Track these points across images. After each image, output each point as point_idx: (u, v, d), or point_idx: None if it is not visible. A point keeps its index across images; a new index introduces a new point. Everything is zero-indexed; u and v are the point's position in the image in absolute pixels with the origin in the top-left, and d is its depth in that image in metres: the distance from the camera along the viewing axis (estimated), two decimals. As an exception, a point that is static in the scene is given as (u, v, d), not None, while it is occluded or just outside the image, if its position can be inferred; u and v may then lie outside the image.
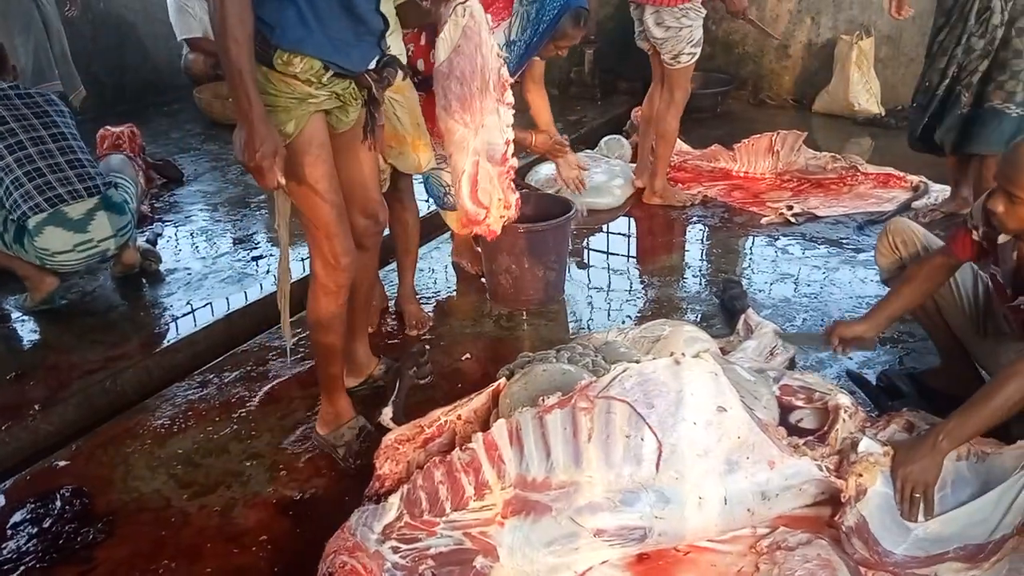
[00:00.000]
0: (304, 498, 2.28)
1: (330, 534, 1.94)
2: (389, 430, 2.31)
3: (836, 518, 1.93)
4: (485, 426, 2.17)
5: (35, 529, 2.16)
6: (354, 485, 2.25)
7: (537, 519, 1.89)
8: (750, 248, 3.82)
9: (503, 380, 2.37)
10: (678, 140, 4.52)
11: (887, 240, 2.54)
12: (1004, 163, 2.03)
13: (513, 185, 2.54)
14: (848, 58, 5.37)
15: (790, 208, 4.08)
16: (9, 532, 2.17)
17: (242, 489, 2.31)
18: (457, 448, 2.07)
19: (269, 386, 2.77)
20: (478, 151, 2.44)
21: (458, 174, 2.46)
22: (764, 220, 4.03)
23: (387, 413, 2.53)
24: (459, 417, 2.29)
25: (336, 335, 2.31)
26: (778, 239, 3.84)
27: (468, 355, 2.95)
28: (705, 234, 4.03)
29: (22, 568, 2.04)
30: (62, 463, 2.42)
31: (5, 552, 2.10)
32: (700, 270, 3.65)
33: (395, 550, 1.89)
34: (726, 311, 3.15)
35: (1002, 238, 2.13)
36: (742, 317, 2.95)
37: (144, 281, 3.49)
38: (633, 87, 5.81)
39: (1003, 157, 2.06)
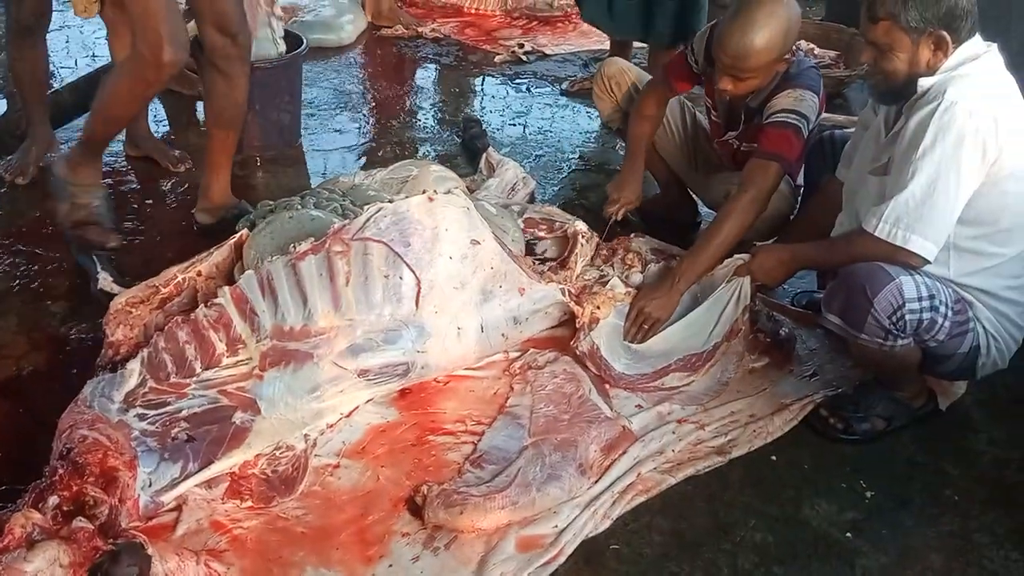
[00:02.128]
0: (21, 374, 2.02)
1: (60, 411, 1.74)
2: (113, 295, 2.10)
3: (571, 343, 2.10)
4: (230, 280, 2.04)
5: None
6: (79, 356, 2.04)
7: (298, 367, 1.85)
8: (485, 87, 3.83)
9: (244, 231, 2.22)
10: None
11: (602, 82, 2.66)
12: (718, 48, 2.11)
13: None
14: None
15: (521, 46, 4.14)
16: None
17: (-60, 373, 1.99)
18: (202, 305, 1.93)
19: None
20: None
21: None
22: (497, 59, 4.05)
23: (105, 278, 2.28)
24: (199, 273, 2.13)
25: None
26: (511, 78, 3.90)
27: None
28: (441, 73, 3.97)
29: None
30: None
31: None
32: (439, 110, 3.61)
33: (142, 417, 1.76)
34: (467, 150, 3.18)
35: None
36: (483, 155, 3.01)
37: None
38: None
39: (716, 42, 2.12)
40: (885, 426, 1.94)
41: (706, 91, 2.42)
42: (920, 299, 1.72)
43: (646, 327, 2.12)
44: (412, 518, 1.69)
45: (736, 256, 2.15)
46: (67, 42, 3.91)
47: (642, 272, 2.32)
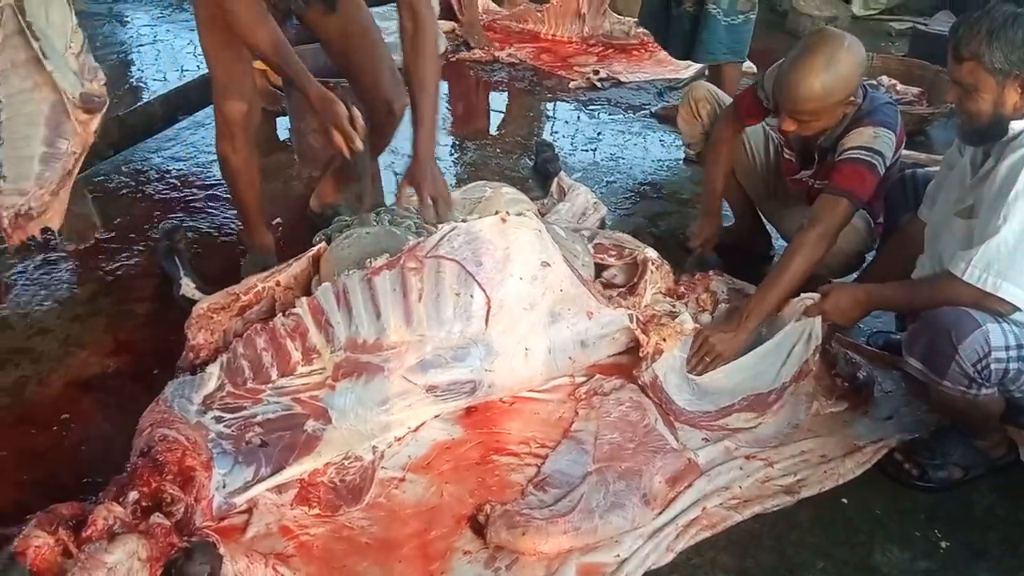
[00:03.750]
0: (106, 373, 2.11)
1: (140, 409, 1.81)
2: (194, 301, 2.18)
3: (634, 371, 2.09)
4: (306, 292, 2.10)
5: None
6: (161, 359, 2.11)
7: (369, 379, 1.88)
8: (559, 112, 3.87)
9: (322, 244, 2.28)
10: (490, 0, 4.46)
11: (689, 106, 2.66)
12: (778, 92, 2.11)
13: None
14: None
15: (596, 73, 4.17)
16: None
17: (33, 366, 2.09)
18: (280, 314, 1.99)
19: (53, 256, 2.48)
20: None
21: None
22: (572, 84, 4.09)
23: (187, 284, 2.37)
24: (278, 283, 2.19)
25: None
26: (585, 104, 3.92)
27: (279, 219, 2.79)
28: (515, 97, 4.02)
29: None
30: None
31: None
32: (512, 133, 3.66)
33: (218, 420, 1.82)
34: (539, 174, 3.20)
35: None
36: (555, 180, 3.03)
37: None
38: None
39: (776, 85, 2.13)
40: (963, 475, 1.87)
41: (779, 127, 2.40)
42: (1008, 348, 1.66)
43: (708, 359, 2.10)
44: (474, 536, 1.69)
45: (805, 295, 2.11)
46: (157, 57, 4.09)
47: (712, 314, 2.30)
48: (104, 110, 2.26)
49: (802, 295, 2.11)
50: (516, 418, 2.02)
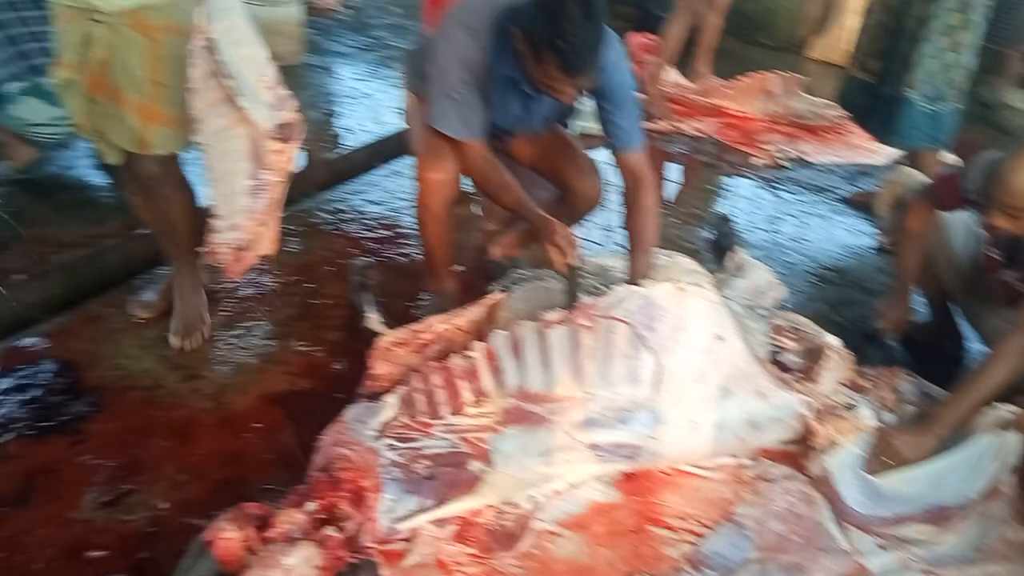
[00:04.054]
0: (295, 391, 2.28)
1: (321, 427, 1.95)
2: (378, 334, 2.32)
3: (803, 461, 2.00)
4: (480, 337, 2.18)
5: (23, 398, 2.13)
6: (344, 384, 2.25)
7: (534, 429, 1.93)
8: (740, 188, 3.84)
9: (499, 294, 2.38)
10: (677, 74, 4.51)
11: (891, 192, 2.57)
12: (994, 183, 2.01)
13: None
14: (849, 7, 5.33)
15: (782, 151, 4.11)
16: (-5, 399, 2.14)
17: (233, 376, 2.30)
18: (456, 355, 2.08)
19: (259, 279, 2.73)
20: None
21: None
22: (755, 161, 4.05)
23: (374, 318, 2.52)
24: (456, 327, 2.29)
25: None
26: (769, 181, 3.87)
27: (461, 267, 2.93)
28: (696, 169, 4.03)
29: (13, 434, 2.01)
30: (46, 336, 2.37)
31: (-11, 419, 2.07)
32: (690, 204, 3.66)
33: (391, 448, 1.92)
34: (715, 248, 3.17)
35: None
36: (731, 255, 2.99)
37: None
38: (628, 11, 5.70)
39: (991, 181, 2.03)
40: None
41: (983, 223, 2.27)
42: None
43: (891, 463, 1.98)
44: (623, 604, 1.68)
45: (1003, 407, 1.96)
46: (362, 109, 4.44)
47: (894, 414, 2.18)
48: (301, 137, 2.30)
49: (999, 406, 1.96)
50: (676, 491, 1.99)
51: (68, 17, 2.04)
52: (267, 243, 2.53)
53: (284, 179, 2.33)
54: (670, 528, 1.87)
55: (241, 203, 2.28)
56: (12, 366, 2.24)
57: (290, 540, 1.56)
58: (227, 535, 1.55)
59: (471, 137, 2.22)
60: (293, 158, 2.35)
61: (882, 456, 1.99)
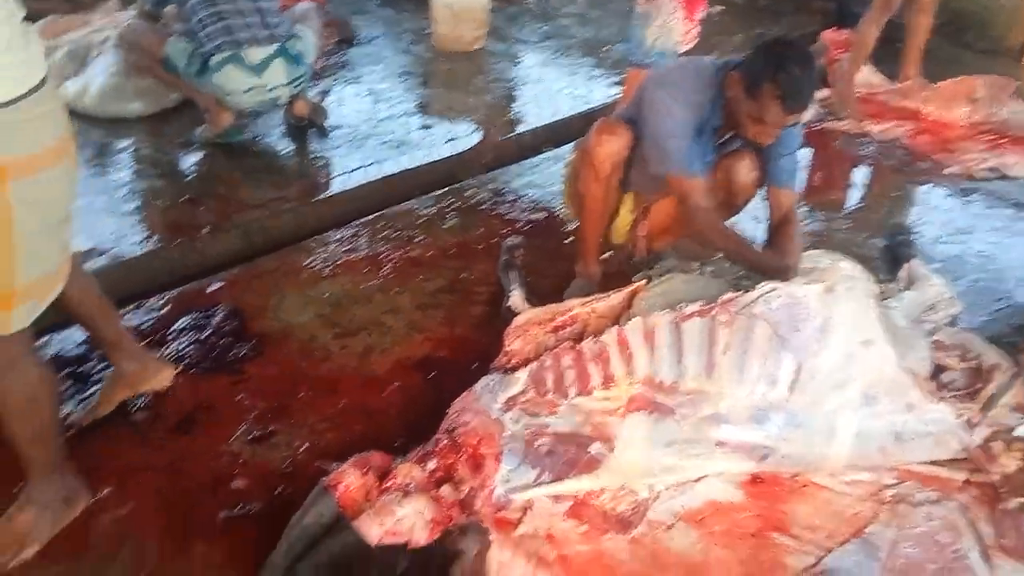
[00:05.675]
0: (434, 358, 2.37)
1: (454, 395, 2.02)
2: (517, 313, 2.36)
3: (999, 489, 1.82)
4: (617, 323, 2.17)
5: (194, 337, 2.37)
6: (480, 356, 2.31)
7: (660, 419, 1.89)
8: (927, 197, 3.54)
9: (642, 283, 2.35)
10: (873, 72, 4.24)
11: None
12: None
13: None
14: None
15: (980, 162, 3.74)
16: (170, 337, 2.38)
17: (381, 338, 2.42)
18: (589, 338, 2.08)
19: (416, 251, 2.85)
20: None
21: None
22: (947, 171, 3.72)
23: (516, 296, 2.57)
24: (593, 310, 2.29)
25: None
26: (960, 192, 3.54)
27: (609, 252, 2.92)
28: (879, 174, 3.76)
29: (180, 368, 2.24)
30: (221, 285, 2.61)
31: (166, 353, 2.31)
32: (868, 210, 3.43)
33: (516, 420, 1.95)
34: (890, 257, 2.96)
35: None
36: (906, 266, 2.77)
37: (311, 133, 3.62)
38: (825, 7, 5.40)
39: None
40: None
41: None
42: None
43: None
44: (732, 606, 1.62)
45: None
46: (537, 94, 4.50)
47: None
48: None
49: None
50: (806, 502, 1.88)
51: None
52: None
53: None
54: (795, 537, 1.78)
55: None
56: (189, 308, 2.49)
57: (405, 492, 1.63)
58: (349, 480, 1.65)
59: (702, 175, 2.31)
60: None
61: None
